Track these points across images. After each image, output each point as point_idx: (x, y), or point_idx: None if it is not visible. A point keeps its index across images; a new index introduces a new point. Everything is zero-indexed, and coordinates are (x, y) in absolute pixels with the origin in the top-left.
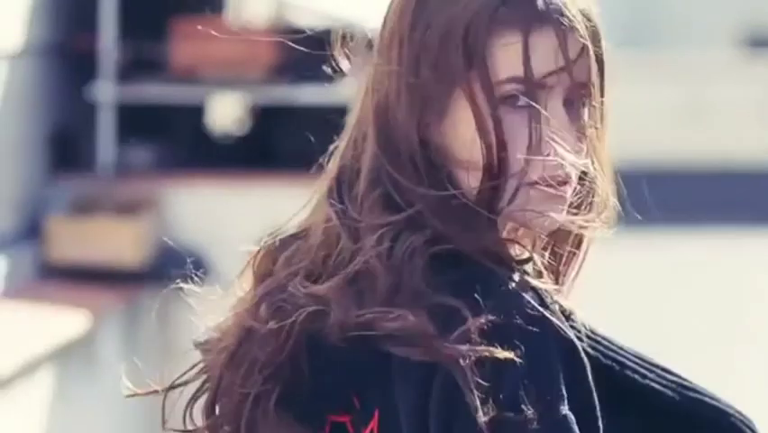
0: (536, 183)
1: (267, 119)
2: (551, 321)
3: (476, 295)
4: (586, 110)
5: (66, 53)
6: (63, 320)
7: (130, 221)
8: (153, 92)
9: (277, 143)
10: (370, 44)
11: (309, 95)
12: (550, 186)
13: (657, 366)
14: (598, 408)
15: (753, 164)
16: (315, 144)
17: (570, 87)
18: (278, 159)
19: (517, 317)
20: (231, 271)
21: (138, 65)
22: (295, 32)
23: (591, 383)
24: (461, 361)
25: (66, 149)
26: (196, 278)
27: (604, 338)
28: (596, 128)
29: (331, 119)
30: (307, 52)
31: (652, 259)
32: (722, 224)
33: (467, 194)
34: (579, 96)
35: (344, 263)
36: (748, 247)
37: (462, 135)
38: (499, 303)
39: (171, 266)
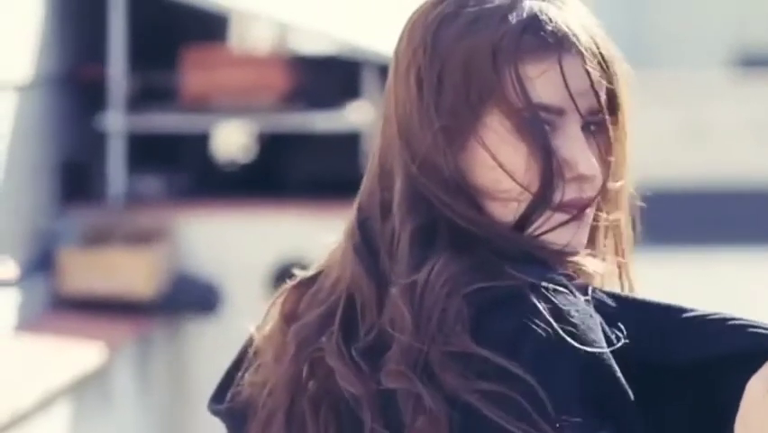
0: (563, 206)
1: (276, 146)
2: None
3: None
4: (602, 136)
5: (75, 83)
6: (78, 353)
7: (142, 251)
8: (163, 121)
9: (286, 170)
10: (383, 71)
11: (321, 121)
12: (575, 208)
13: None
14: (633, 413)
15: (752, 184)
16: (324, 171)
17: (587, 113)
18: (287, 186)
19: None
20: (244, 300)
21: (148, 94)
22: (305, 59)
23: (623, 391)
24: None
25: (76, 179)
26: (208, 308)
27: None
28: (610, 154)
29: (340, 146)
30: (318, 79)
31: (654, 278)
32: (721, 244)
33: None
34: (595, 122)
35: (372, 316)
36: (747, 266)
37: (489, 166)
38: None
39: (184, 297)
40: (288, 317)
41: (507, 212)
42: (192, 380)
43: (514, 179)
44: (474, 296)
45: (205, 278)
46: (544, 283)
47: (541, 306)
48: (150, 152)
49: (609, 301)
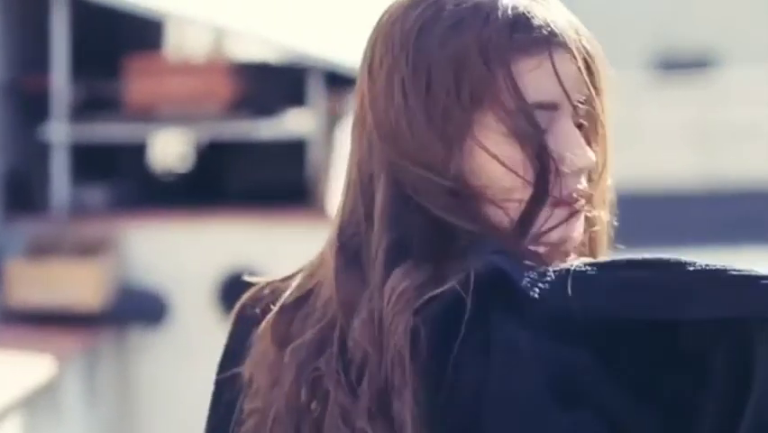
0: (563, 201)
1: (220, 154)
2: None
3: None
4: (589, 130)
5: (18, 94)
6: (27, 367)
7: (88, 263)
8: (107, 131)
9: (231, 179)
10: (328, 78)
11: (266, 129)
12: (568, 204)
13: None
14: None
15: (681, 186)
16: (269, 179)
17: (576, 106)
18: (232, 194)
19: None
20: (190, 310)
21: (91, 104)
22: (249, 67)
23: (602, 386)
24: None
25: (20, 190)
26: (155, 319)
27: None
28: (598, 148)
29: (285, 153)
30: (264, 86)
31: None
32: (648, 246)
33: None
34: (582, 116)
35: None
36: None
37: (490, 165)
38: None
39: (131, 308)
40: (281, 341)
41: (504, 214)
42: (139, 391)
43: (517, 174)
44: (424, 309)
45: (151, 289)
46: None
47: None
48: (94, 163)
49: (590, 269)
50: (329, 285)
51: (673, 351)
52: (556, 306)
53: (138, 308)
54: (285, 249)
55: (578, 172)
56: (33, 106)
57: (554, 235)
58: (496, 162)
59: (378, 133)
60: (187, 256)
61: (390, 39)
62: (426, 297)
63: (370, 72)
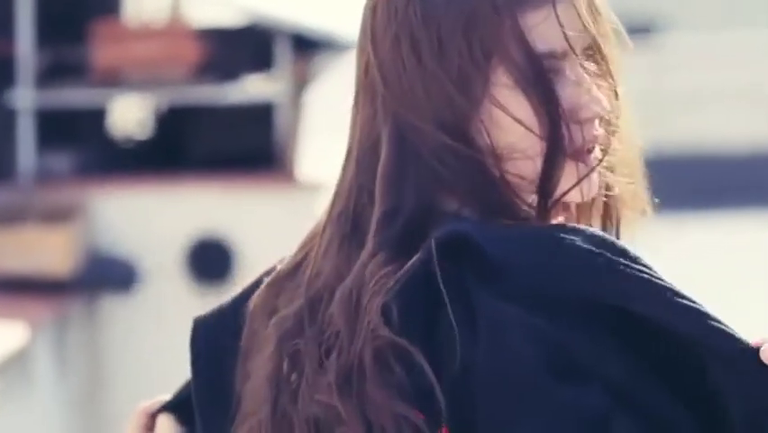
0: (576, 152)
1: (186, 119)
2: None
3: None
4: (602, 77)
5: None
6: None
7: (57, 229)
8: (73, 97)
9: (197, 144)
10: (295, 41)
11: (232, 94)
12: (586, 153)
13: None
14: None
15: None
16: (236, 144)
17: (587, 53)
18: (199, 160)
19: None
20: (160, 277)
21: (57, 70)
22: (215, 31)
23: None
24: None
25: None
26: (125, 286)
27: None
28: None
29: (253, 118)
30: (230, 51)
31: None
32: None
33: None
34: (596, 61)
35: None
36: None
37: (507, 123)
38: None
39: (101, 274)
40: (270, 312)
41: (524, 171)
42: (110, 357)
43: (532, 132)
44: (398, 290)
45: (120, 255)
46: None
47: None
48: (58, 129)
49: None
50: (320, 258)
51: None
52: (531, 279)
53: (108, 275)
54: (253, 214)
55: (592, 119)
56: None
57: (574, 192)
58: (513, 122)
59: (391, 99)
60: (155, 222)
61: (392, 4)
62: (398, 275)
63: (373, 37)
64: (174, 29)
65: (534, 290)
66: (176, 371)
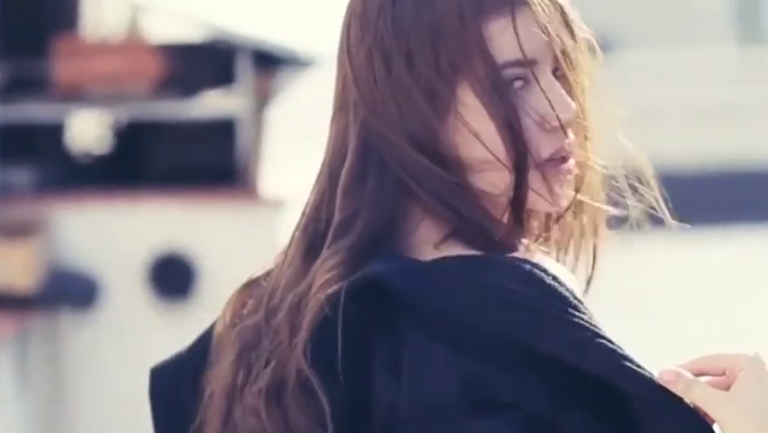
0: (546, 162)
1: (147, 134)
2: None
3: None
4: (571, 81)
5: None
6: None
7: (17, 244)
8: (34, 111)
9: (159, 159)
10: (257, 57)
11: (194, 109)
12: (557, 162)
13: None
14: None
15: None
16: (198, 159)
17: (555, 60)
18: (160, 175)
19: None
20: (122, 293)
21: (18, 84)
22: (177, 46)
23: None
24: None
25: None
26: (86, 302)
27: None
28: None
29: (214, 133)
30: (192, 66)
31: None
32: None
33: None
34: (564, 68)
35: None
36: None
37: (471, 135)
38: None
39: (61, 290)
40: (234, 320)
41: (495, 182)
42: (70, 375)
43: (497, 146)
44: (329, 299)
45: (81, 271)
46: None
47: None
48: (20, 143)
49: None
50: (283, 268)
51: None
52: (448, 314)
53: (69, 291)
54: (215, 230)
55: (561, 128)
56: None
57: (542, 202)
58: (479, 134)
59: (364, 111)
60: (117, 238)
61: (365, 13)
62: (335, 287)
63: (348, 51)
64: (135, 44)
65: (452, 325)
66: (137, 387)
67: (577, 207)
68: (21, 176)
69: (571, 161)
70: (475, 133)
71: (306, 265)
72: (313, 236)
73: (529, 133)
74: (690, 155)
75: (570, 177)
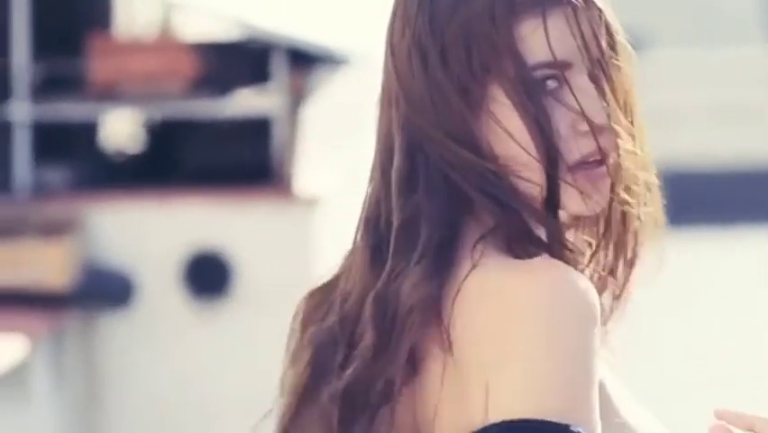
0: (579, 165)
1: (183, 133)
2: None
3: None
4: (607, 85)
5: None
6: None
7: (54, 243)
8: (69, 110)
9: (191, 158)
10: (292, 55)
11: (230, 107)
12: (592, 165)
13: None
14: None
15: None
16: (233, 158)
17: (591, 62)
18: (192, 173)
19: None
20: (156, 291)
21: (53, 83)
22: (212, 45)
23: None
24: None
25: None
26: (122, 300)
27: None
28: (622, 104)
29: (250, 132)
30: (227, 64)
31: None
32: None
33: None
34: (600, 71)
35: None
36: None
37: (504, 133)
38: None
39: (97, 288)
40: (305, 324)
41: (526, 184)
42: (106, 371)
43: (525, 149)
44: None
45: (117, 269)
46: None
47: None
48: (53, 142)
49: None
50: (352, 271)
51: None
52: None
53: (104, 289)
54: (250, 228)
55: (595, 130)
56: None
57: (578, 205)
58: (509, 136)
59: (405, 107)
60: (152, 236)
61: (406, 9)
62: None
63: (391, 46)
64: (169, 43)
65: None
66: (171, 385)
67: (617, 209)
68: (55, 175)
69: (607, 164)
70: (508, 132)
71: (374, 271)
72: (375, 239)
73: (561, 135)
74: (715, 154)
75: (605, 180)
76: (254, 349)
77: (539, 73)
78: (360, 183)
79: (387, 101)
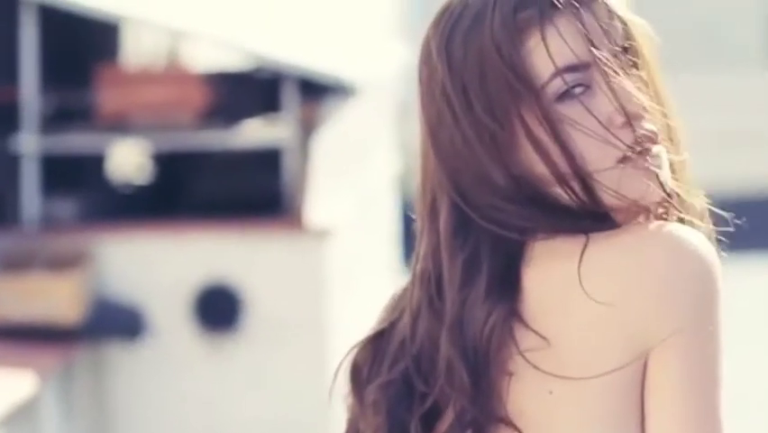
0: (624, 157)
1: (189, 165)
2: None
3: None
4: (633, 71)
5: None
6: (6, 384)
7: (63, 276)
8: (78, 142)
9: (201, 189)
10: (302, 85)
11: (240, 138)
12: (638, 154)
13: None
14: None
15: None
16: (244, 188)
17: (609, 54)
18: (203, 205)
19: None
20: (167, 324)
21: (62, 114)
22: (222, 75)
23: None
24: None
25: None
26: (132, 334)
27: None
28: (652, 91)
29: (261, 162)
30: (237, 95)
31: None
32: None
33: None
34: (620, 60)
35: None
36: None
37: (541, 166)
38: None
39: (107, 322)
40: (368, 378)
41: (568, 196)
42: (115, 407)
43: (557, 165)
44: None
45: (127, 302)
46: None
47: None
48: (61, 174)
49: None
50: (411, 320)
51: None
52: None
53: (114, 323)
54: (261, 260)
55: (633, 119)
56: (3, 118)
57: (631, 193)
58: (543, 163)
59: (437, 155)
60: (162, 269)
61: (429, 46)
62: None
63: (420, 92)
64: (179, 73)
65: None
66: (182, 420)
67: (670, 199)
68: (64, 207)
69: (655, 148)
70: (540, 153)
71: (435, 314)
72: (431, 286)
73: (599, 136)
74: (717, 182)
75: (654, 167)
76: (265, 382)
77: (558, 81)
78: (368, 214)
79: (423, 149)
